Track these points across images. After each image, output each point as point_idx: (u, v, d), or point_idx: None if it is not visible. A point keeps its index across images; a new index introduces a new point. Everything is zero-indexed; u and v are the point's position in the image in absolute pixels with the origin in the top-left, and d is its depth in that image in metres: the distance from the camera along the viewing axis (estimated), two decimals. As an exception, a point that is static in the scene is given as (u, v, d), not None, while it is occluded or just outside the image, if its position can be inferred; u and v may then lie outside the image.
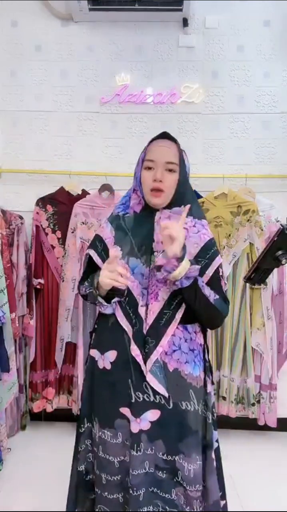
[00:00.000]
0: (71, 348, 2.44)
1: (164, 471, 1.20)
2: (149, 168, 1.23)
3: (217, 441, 1.28)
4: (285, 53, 2.50)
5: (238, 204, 2.36)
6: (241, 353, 2.36)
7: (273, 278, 2.39)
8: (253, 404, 2.35)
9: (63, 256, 2.41)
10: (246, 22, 2.49)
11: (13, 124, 2.58)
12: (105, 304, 1.22)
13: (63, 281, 2.38)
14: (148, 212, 1.28)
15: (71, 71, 2.55)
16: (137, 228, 1.27)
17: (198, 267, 1.16)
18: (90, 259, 1.33)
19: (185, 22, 2.44)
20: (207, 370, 1.28)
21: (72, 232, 2.38)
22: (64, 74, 2.56)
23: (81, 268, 2.25)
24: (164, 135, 1.27)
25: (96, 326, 1.35)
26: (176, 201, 1.26)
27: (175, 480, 1.20)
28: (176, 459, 1.20)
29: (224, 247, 2.35)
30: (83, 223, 2.36)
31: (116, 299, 1.22)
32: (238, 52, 2.52)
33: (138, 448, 1.17)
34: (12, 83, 2.56)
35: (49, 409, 2.43)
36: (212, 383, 1.31)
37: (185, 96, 2.52)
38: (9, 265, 2.21)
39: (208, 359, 1.31)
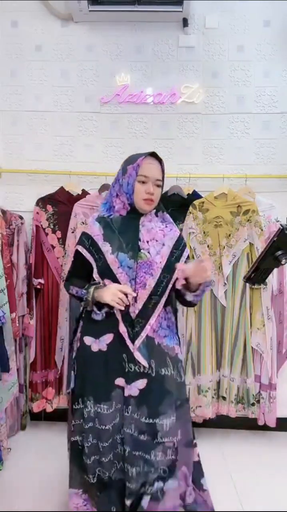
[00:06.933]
0: (71, 348, 2.44)
1: (146, 434, 1.42)
2: (142, 182, 1.49)
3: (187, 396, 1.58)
4: (285, 53, 2.50)
5: (238, 204, 2.36)
6: (241, 353, 2.36)
7: (273, 278, 2.39)
8: (253, 404, 2.35)
9: (63, 256, 2.41)
10: (246, 22, 2.49)
11: (13, 124, 2.58)
12: (98, 312, 1.47)
13: (63, 281, 2.39)
14: (134, 215, 1.54)
15: (71, 71, 2.56)
16: (124, 228, 1.52)
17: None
18: (78, 254, 1.54)
19: (185, 22, 2.44)
20: (178, 342, 1.58)
21: (72, 232, 2.38)
22: (64, 74, 2.56)
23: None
24: (154, 155, 1.53)
25: (83, 315, 1.55)
26: (155, 207, 1.58)
27: (155, 442, 1.41)
28: (156, 421, 1.42)
29: (224, 247, 2.35)
30: (83, 223, 2.36)
31: (106, 309, 1.46)
32: (238, 52, 2.52)
33: (127, 410, 1.42)
34: (12, 83, 2.56)
35: (49, 409, 2.43)
36: (181, 352, 1.58)
37: (185, 96, 2.52)
38: (9, 265, 2.21)
39: (177, 332, 1.61)
